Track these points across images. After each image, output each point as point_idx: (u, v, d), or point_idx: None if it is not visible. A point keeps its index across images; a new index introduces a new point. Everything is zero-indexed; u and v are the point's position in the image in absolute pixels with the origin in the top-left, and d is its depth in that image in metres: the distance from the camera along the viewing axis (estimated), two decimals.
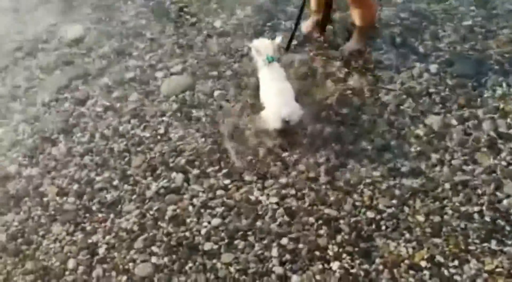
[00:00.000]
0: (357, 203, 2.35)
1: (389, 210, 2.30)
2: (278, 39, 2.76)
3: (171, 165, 2.60)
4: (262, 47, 2.73)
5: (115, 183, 2.56)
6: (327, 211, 2.33)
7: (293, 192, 2.42)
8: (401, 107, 2.74)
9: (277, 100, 2.58)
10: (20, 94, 3.16)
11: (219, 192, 2.46)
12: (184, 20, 3.57)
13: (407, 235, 2.20)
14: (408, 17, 3.33)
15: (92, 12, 3.77)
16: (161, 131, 2.78)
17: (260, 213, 2.35)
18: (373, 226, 2.25)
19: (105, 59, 3.32)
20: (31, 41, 3.57)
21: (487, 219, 2.22)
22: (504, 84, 2.76)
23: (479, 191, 2.32)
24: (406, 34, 3.19)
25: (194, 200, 2.44)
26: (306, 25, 3.25)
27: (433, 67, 2.94)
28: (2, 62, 3.42)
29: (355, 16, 3.05)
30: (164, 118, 2.85)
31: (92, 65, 3.28)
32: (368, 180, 2.43)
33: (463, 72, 2.88)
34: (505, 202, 2.27)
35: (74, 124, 2.90)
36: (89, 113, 2.95)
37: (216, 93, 2.97)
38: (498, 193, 2.31)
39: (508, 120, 2.59)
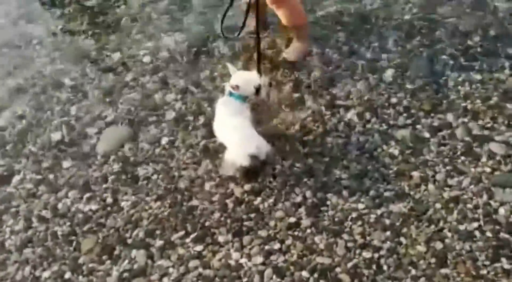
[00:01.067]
0: (349, 244, 2.10)
1: (386, 245, 2.08)
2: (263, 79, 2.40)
3: (128, 241, 2.21)
4: (244, 83, 2.33)
5: (67, 276, 2.13)
6: (319, 259, 2.07)
7: (277, 245, 2.12)
8: (367, 125, 2.53)
9: (239, 136, 2.26)
10: None
11: (192, 263, 2.11)
12: (105, 58, 3.15)
13: (413, 271, 1.99)
14: (348, 20, 3.15)
15: None
16: (109, 200, 2.38)
17: (245, 279, 2.05)
18: (374, 268, 2.02)
19: (23, 120, 2.84)
20: None
21: (489, 234, 2.06)
22: (466, 83, 2.64)
23: (472, 204, 2.17)
24: (351, 40, 3.00)
25: (165, 280, 2.08)
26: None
27: (388, 74, 2.77)
28: None
29: (281, 17, 2.82)
30: (107, 184, 2.45)
31: (9, 130, 2.79)
32: (353, 214, 2.19)
33: (420, 74, 2.73)
34: (501, 211, 2.13)
35: (2, 211, 2.42)
36: (18, 193, 2.48)
37: (163, 141, 2.61)
38: (491, 203, 2.16)
39: (479, 121, 2.46)
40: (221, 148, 2.42)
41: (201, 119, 2.68)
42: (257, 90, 2.35)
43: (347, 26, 3.11)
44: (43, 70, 3.16)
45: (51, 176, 2.53)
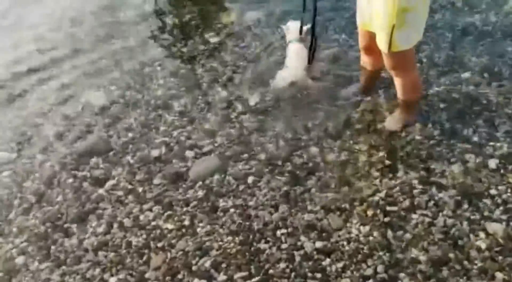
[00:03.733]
0: None
1: None
2: (305, 28, 3.23)
3: (194, 268, 2.28)
4: (293, 29, 3.31)
5: None
6: None
7: None
8: (458, 210, 2.41)
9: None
10: (34, 168, 2.92)
11: None
12: (215, 93, 3.35)
13: None
14: (458, 99, 3.06)
15: (120, 77, 3.60)
16: (186, 223, 2.49)
17: None
18: None
19: (130, 132, 3.10)
20: (50, 104, 3.41)
21: None
22: None
23: None
24: (456, 119, 2.91)
25: None
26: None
27: (492, 162, 2.63)
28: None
29: (397, 86, 2.78)
30: (188, 208, 2.57)
31: (115, 139, 3.06)
32: None
33: None
34: None
35: (90, 211, 2.63)
36: (108, 197, 2.68)
37: (248, 179, 2.69)
38: None
39: None
40: (300, 197, 2.49)
41: (289, 166, 2.73)
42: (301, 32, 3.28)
43: (454, 105, 3.02)
44: (158, 91, 3.43)
45: (140, 188, 2.71)
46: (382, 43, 2.49)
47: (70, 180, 2.80)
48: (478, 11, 3.89)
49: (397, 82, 2.76)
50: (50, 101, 3.41)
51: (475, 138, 2.78)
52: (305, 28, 3.23)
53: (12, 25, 4.50)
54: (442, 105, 3.02)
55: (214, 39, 3.93)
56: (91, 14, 4.53)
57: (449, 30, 3.69)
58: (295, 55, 3.26)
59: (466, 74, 3.24)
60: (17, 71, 3.79)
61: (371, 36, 2.61)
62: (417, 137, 2.82)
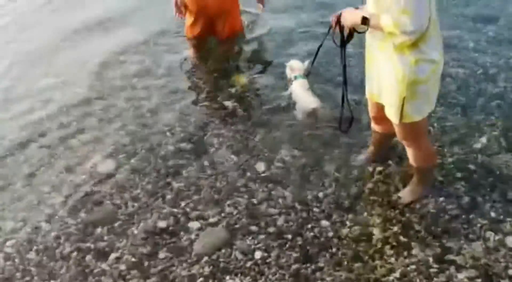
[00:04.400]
0: None
1: None
2: (306, 63, 3.76)
3: None
4: (296, 67, 3.80)
5: None
6: None
7: None
8: None
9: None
10: (38, 239, 2.84)
11: None
12: (225, 161, 3.31)
13: None
14: (474, 170, 2.98)
15: (129, 144, 3.58)
16: None
17: None
18: None
19: (136, 202, 3.04)
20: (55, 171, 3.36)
21: None
22: None
23: None
24: (473, 192, 2.82)
25: None
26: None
27: (510, 240, 2.51)
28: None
29: (409, 155, 2.71)
30: None
31: (121, 209, 2.99)
32: None
33: None
34: None
35: None
36: (110, 272, 2.59)
37: (257, 254, 2.59)
38: None
39: None
40: (312, 276, 2.39)
41: (299, 241, 2.64)
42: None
43: (470, 176, 2.94)
44: (167, 157, 3.40)
45: (146, 263, 2.61)
46: (392, 116, 2.45)
47: (74, 254, 2.71)
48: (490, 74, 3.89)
49: (410, 152, 2.70)
50: (58, 169, 3.38)
51: (493, 214, 2.68)
52: (306, 63, 3.77)
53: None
54: (457, 175, 2.95)
55: (226, 103, 3.93)
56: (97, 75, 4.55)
57: (462, 94, 3.68)
58: (302, 88, 3.68)
59: (481, 141, 3.19)
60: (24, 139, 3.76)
61: (381, 107, 2.58)
62: (432, 210, 2.73)
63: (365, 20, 2.25)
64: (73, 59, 4.80)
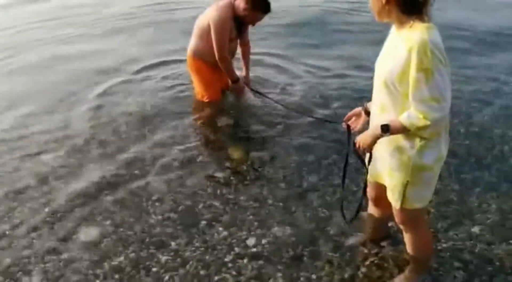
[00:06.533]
0: None
1: None
2: None
3: None
4: None
5: None
6: None
7: None
8: None
9: None
10: None
11: None
12: (214, 233, 3.19)
13: None
14: (471, 260, 2.88)
15: (114, 210, 3.44)
16: None
17: None
18: None
19: (118, 273, 2.86)
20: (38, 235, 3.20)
21: None
22: None
23: None
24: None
25: None
26: None
27: None
28: None
29: (406, 241, 2.63)
30: None
31: (101, 280, 2.81)
32: None
33: None
34: None
35: None
36: None
37: None
38: None
39: None
40: None
41: None
42: None
43: (467, 265, 2.84)
44: (153, 227, 3.27)
45: None
46: (393, 199, 2.39)
47: None
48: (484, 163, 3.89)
49: (407, 238, 2.62)
50: (39, 232, 3.22)
51: None
52: None
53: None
54: (454, 265, 2.84)
55: (219, 175, 3.87)
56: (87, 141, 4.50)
57: (456, 181, 3.65)
58: None
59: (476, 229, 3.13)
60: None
61: (382, 188, 2.52)
62: None
63: (387, 127, 2.16)
64: None
